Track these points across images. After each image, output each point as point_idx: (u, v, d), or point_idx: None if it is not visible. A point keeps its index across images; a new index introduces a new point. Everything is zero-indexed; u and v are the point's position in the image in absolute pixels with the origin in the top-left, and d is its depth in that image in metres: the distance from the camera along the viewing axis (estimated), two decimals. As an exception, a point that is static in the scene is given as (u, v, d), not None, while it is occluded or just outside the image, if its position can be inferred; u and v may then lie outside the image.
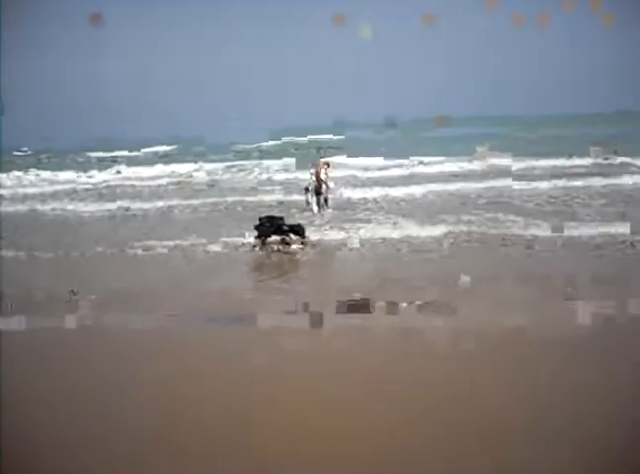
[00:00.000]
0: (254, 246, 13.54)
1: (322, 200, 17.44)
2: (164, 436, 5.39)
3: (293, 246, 13.49)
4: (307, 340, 7.57)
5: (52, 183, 31.71)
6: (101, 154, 66.61)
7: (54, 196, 26.07)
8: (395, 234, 13.63)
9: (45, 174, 36.12)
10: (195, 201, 21.48)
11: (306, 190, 17.51)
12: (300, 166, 31.99)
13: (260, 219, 13.98)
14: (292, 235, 13.72)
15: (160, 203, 21.62)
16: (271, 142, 74.75)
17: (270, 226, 13.75)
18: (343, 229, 14.67)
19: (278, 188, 24.64)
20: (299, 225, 14.19)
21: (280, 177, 29.35)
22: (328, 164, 17.87)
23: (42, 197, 25.34)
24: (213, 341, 7.66)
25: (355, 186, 22.26)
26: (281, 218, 14.18)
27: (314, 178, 17.44)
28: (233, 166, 38.77)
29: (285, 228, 13.77)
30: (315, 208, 17.32)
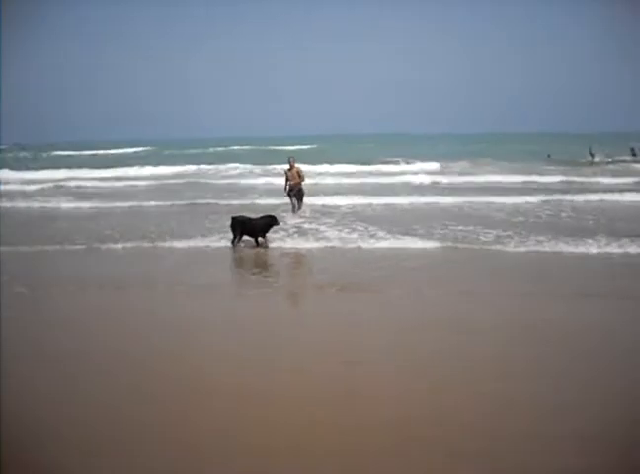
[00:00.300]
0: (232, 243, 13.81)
1: (296, 201, 17.73)
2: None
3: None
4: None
5: (25, 181, 31.59)
6: (73, 153, 65.85)
7: (25, 193, 26.00)
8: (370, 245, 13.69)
9: (19, 172, 35.89)
10: (169, 202, 21.65)
11: (288, 194, 17.79)
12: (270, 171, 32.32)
13: (233, 219, 14.18)
14: (261, 238, 13.84)
15: (134, 203, 21.73)
16: (245, 147, 74.81)
17: (242, 225, 13.90)
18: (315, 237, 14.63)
19: (250, 191, 24.92)
20: (270, 216, 14.17)
21: (254, 181, 29.69)
22: (299, 172, 17.87)
23: (14, 195, 25.21)
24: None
25: (327, 193, 22.52)
26: (250, 219, 14.13)
27: (289, 180, 17.69)
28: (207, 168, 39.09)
29: (257, 227, 13.83)
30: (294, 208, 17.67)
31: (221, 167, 39.39)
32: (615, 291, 9.74)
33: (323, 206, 19.50)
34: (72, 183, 29.79)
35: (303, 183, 17.94)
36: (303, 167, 19.26)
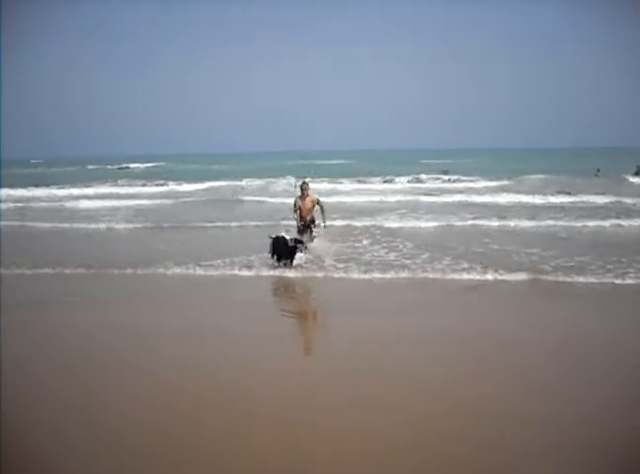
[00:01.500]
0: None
1: (307, 237, 13.58)
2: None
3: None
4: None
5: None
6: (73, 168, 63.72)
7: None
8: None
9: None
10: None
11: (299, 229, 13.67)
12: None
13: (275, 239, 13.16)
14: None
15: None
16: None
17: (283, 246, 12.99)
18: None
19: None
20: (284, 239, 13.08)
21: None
22: (318, 200, 13.58)
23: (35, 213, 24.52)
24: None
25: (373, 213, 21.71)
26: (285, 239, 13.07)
27: (299, 211, 13.57)
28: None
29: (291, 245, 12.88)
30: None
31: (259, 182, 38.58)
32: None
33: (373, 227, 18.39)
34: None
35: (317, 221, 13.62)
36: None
